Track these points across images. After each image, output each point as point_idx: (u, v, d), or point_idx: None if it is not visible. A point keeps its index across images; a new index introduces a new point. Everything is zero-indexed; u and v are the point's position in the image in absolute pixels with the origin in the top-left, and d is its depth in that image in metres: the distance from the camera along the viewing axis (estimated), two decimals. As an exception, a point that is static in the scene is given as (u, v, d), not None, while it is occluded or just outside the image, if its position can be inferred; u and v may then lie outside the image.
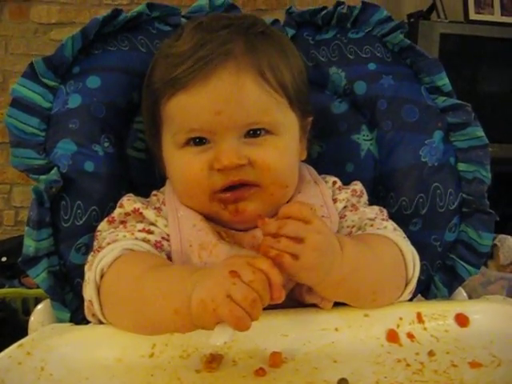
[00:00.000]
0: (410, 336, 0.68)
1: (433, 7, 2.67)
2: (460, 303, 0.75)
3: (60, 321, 0.78)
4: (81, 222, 0.78)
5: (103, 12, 0.83)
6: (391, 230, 0.76)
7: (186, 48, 0.72)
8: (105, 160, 0.81)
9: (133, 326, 0.65)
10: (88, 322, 0.77)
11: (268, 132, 0.73)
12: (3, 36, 2.55)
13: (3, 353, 0.60)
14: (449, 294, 0.87)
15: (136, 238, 0.71)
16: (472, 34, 2.62)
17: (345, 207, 0.79)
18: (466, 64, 2.64)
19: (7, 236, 2.48)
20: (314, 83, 0.90)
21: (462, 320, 0.70)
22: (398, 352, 0.65)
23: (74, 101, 0.81)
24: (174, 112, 0.73)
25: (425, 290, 0.87)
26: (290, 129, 0.76)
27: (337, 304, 0.70)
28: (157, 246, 0.72)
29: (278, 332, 0.66)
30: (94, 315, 0.68)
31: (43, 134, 0.80)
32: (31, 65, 0.79)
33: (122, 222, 0.74)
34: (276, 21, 0.93)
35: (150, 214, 0.74)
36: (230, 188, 0.72)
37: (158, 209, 0.76)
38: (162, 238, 0.73)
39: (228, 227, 0.75)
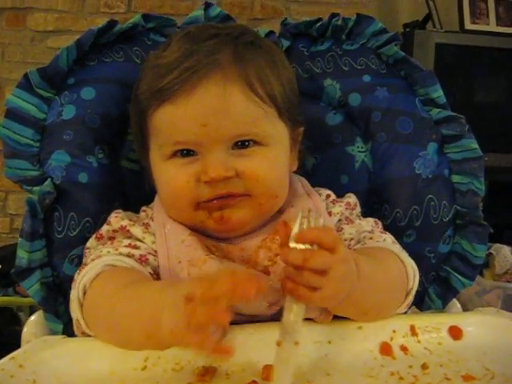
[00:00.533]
0: (404, 349, 0.68)
1: (428, 17, 2.68)
2: (453, 316, 0.75)
3: (53, 332, 0.78)
4: (74, 234, 0.78)
5: (100, 20, 0.84)
6: (391, 243, 0.76)
7: (173, 58, 0.71)
8: (99, 171, 0.81)
9: (116, 343, 0.64)
10: (81, 335, 0.77)
11: (256, 143, 0.72)
12: (0, 43, 2.54)
13: (-5, 365, 0.60)
14: (443, 306, 0.87)
15: (120, 254, 0.70)
16: (467, 44, 2.63)
17: (339, 220, 0.79)
18: (462, 74, 2.65)
19: (2, 244, 2.47)
20: (308, 95, 0.90)
21: (455, 332, 0.70)
22: (392, 365, 0.65)
23: (69, 112, 0.81)
24: (160, 124, 0.72)
25: (419, 301, 0.87)
26: (279, 140, 0.75)
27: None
28: (141, 260, 0.71)
29: (272, 344, 0.65)
30: (83, 333, 0.68)
31: (37, 144, 0.80)
32: (26, 76, 0.80)
33: (110, 239, 0.74)
34: (271, 32, 0.93)
35: (137, 230, 0.74)
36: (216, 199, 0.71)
37: (146, 225, 0.75)
38: (149, 252, 0.72)
39: (216, 239, 0.74)
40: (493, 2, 2.78)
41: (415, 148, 0.87)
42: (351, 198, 0.82)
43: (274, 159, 0.73)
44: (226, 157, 0.70)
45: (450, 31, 2.65)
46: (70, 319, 0.77)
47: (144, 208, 0.79)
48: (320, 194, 0.81)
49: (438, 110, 0.88)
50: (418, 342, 0.69)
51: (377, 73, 0.90)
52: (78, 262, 0.78)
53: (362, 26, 0.92)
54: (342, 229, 0.78)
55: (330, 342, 0.67)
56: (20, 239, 0.76)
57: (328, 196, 0.81)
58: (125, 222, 0.74)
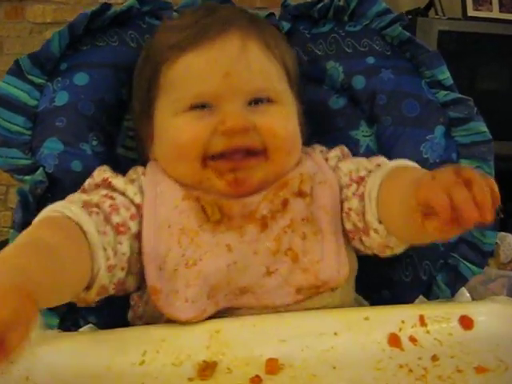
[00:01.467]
0: (413, 340, 0.65)
1: (430, 4, 2.65)
2: (464, 305, 0.72)
3: (49, 326, 0.75)
4: None
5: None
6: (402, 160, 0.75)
7: (188, 20, 0.74)
8: (93, 159, 0.78)
9: None
10: (77, 329, 0.75)
11: (270, 101, 0.73)
12: (-2, 36, 2.53)
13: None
14: (452, 295, 0.84)
15: (84, 202, 0.66)
16: (470, 31, 2.60)
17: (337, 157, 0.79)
18: (465, 61, 2.62)
19: (3, 238, 2.46)
20: (310, 78, 0.87)
21: (466, 322, 0.67)
22: (400, 357, 0.62)
23: (61, 98, 0.78)
24: (179, 75, 0.72)
25: (427, 290, 0.84)
26: (290, 102, 0.76)
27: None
28: (112, 208, 0.67)
29: (275, 337, 0.63)
30: None
31: (29, 132, 0.77)
32: (17, 62, 0.77)
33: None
34: (271, 14, 0.90)
35: (119, 182, 0.71)
36: (227, 156, 0.70)
37: (133, 180, 0.73)
38: (123, 205, 0.69)
39: (215, 194, 0.72)
40: (496, -12, 2.75)
41: (422, 131, 0.83)
42: (343, 146, 0.82)
43: (288, 116, 0.74)
44: (243, 110, 0.70)
45: (452, 18, 2.62)
46: (66, 312, 0.76)
47: (135, 167, 0.77)
48: (314, 149, 0.81)
49: (445, 92, 0.85)
50: (428, 332, 0.66)
51: (381, 54, 0.87)
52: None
53: (365, 6, 0.89)
54: (339, 167, 0.77)
55: (336, 334, 0.64)
56: (12, 231, 0.73)
57: (321, 150, 0.81)
58: (107, 175, 0.72)
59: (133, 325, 0.73)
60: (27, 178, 0.73)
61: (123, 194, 0.70)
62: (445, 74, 0.85)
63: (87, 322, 0.77)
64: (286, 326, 0.64)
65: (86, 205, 0.66)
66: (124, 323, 0.75)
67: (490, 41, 2.62)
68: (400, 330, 0.66)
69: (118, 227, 0.67)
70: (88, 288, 0.62)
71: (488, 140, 0.83)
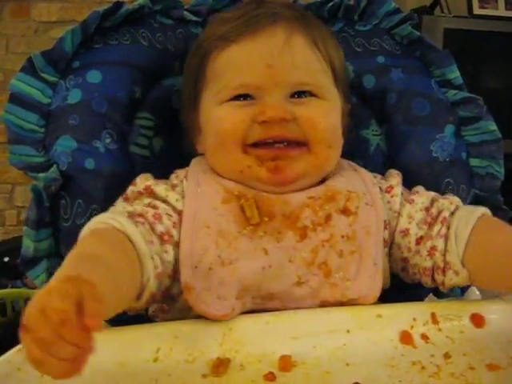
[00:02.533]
0: (425, 337, 0.65)
1: (436, 2, 2.65)
2: (475, 303, 0.72)
3: (61, 323, 0.76)
4: (81, 222, 0.75)
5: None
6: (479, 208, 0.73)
7: (237, 12, 0.75)
8: (106, 157, 0.78)
9: None
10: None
11: (313, 96, 0.73)
12: (4, 35, 2.53)
13: (2, 357, 0.58)
14: (461, 293, 0.84)
15: (128, 212, 0.67)
16: (476, 29, 2.60)
17: (402, 194, 0.77)
18: (471, 59, 2.62)
19: (10, 236, 2.46)
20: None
21: (477, 320, 0.67)
22: (413, 354, 0.62)
23: (74, 96, 0.78)
24: (223, 66, 0.73)
25: (437, 289, 0.85)
26: (334, 99, 0.75)
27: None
28: (154, 217, 0.67)
29: (287, 334, 0.63)
30: None
31: (42, 130, 0.77)
32: (30, 59, 0.77)
33: (136, 199, 0.71)
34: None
35: (160, 189, 0.71)
36: (268, 145, 0.70)
37: (174, 185, 0.73)
38: (166, 213, 0.69)
39: (258, 188, 0.72)
40: (502, -14, 2.74)
41: (432, 130, 0.84)
42: (399, 173, 0.80)
43: (330, 110, 0.74)
44: (284, 101, 0.71)
45: (458, 16, 2.62)
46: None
47: (176, 171, 0.76)
48: (361, 168, 0.80)
49: (455, 91, 0.85)
50: (440, 330, 0.66)
51: (391, 54, 0.88)
52: (87, 251, 0.76)
53: (375, 6, 0.89)
54: (413, 200, 0.76)
55: (348, 331, 0.64)
56: (25, 228, 0.73)
57: (375, 176, 0.79)
58: (149, 182, 0.72)
59: (152, 320, 0.73)
60: (41, 175, 0.73)
61: (165, 201, 0.70)
62: (455, 73, 0.85)
63: (99, 319, 0.77)
64: (299, 324, 0.64)
65: (131, 215, 0.66)
66: (135, 319, 0.75)
67: (496, 39, 2.62)
68: (412, 327, 0.66)
69: (163, 236, 0.67)
70: (138, 297, 0.62)
71: (497, 139, 0.84)
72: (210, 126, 0.74)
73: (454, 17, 2.61)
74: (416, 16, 0.89)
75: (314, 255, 0.69)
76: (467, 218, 0.70)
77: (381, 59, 0.87)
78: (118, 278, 0.55)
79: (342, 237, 0.70)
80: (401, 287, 0.85)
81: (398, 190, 0.77)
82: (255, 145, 0.71)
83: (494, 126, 0.84)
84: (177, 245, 0.68)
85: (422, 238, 0.73)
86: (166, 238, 0.67)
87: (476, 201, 0.84)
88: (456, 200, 0.75)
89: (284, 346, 0.62)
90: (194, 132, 0.79)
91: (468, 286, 0.85)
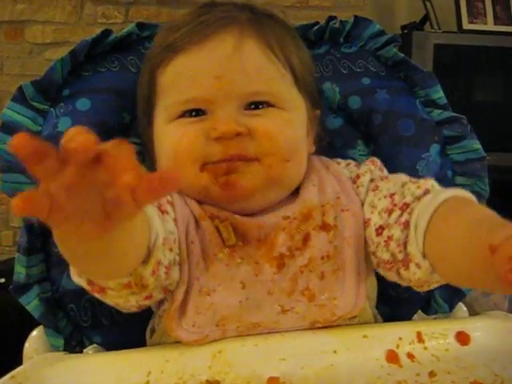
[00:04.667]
0: (411, 356, 0.66)
1: (426, 18, 2.68)
2: (460, 321, 0.73)
3: (54, 347, 0.76)
4: None
5: (98, 31, 0.83)
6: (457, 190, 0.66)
7: (187, 18, 0.70)
8: None
9: None
10: (81, 349, 0.76)
11: (271, 106, 0.69)
12: (-2, 57, 2.55)
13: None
14: (449, 310, 0.85)
15: None
16: (466, 44, 2.63)
17: (371, 180, 0.74)
18: (461, 73, 2.64)
19: (5, 257, 2.46)
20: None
21: (462, 338, 0.68)
22: (399, 373, 0.63)
23: (64, 124, 0.79)
24: (170, 80, 0.70)
25: (425, 305, 0.86)
26: (295, 107, 0.72)
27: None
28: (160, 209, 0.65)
29: (275, 356, 0.64)
30: None
31: None
32: (20, 88, 0.78)
33: None
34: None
35: None
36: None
37: None
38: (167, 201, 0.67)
39: (232, 212, 0.69)
40: (490, 1, 2.78)
41: (418, 150, 0.85)
42: (375, 158, 0.78)
43: (288, 121, 0.70)
44: (237, 114, 0.67)
45: (448, 32, 2.65)
46: (71, 333, 0.77)
47: None
48: (339, 163, 0.78)
49: (440, 110, 0.87)
50: (425, 348, 0.67)
51: (376, 75, 0.89)
52: (77, 276, 0.76)
53: (360, 28, 0.91)
54: (378, 187, 0.72)
55: (335, 352, 0.65)
56: (17, 254, 0.75)
57: (348, 164, 0.78)
58: None
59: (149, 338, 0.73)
60: (31, 202, 0.74)
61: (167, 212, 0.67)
62: (439, 94, 0.87)
63: (92, 342, 0.78)
64: (287, 345, 0.65)
65: None
66: (129, 343, 0.76)
67: (486, 53, 2.64)
68: (398, 346, 0.67)
69: (160, 206, 0.65)
70: (145, 262, 0.59)
71: (482, 157, 0.85)
72: (161, 146, 0.71)
73: (443, 32, 2.63)
74: (400, 38, 0.91)
75: (293, 283, 0.67)
76: (429, 203, 0.62)
77: (366, 80, 0.89)
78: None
79: (322, 258, 0.69)
80: (390, 305, 0.86)
81: (366, 178, 0.74)
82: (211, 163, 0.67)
83: (478, 145, 0.85)
84: (175, 222, 0.66)
85: (381, 227, 0.68)
86: (162, 208, 0.65)
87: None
88: (427, 184, 0.68)
89: (272, 367, 0.63)
90: (151, 151, 0.76)
91: (457, 303, 0.86)
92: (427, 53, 2.54)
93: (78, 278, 0.61)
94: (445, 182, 0.85)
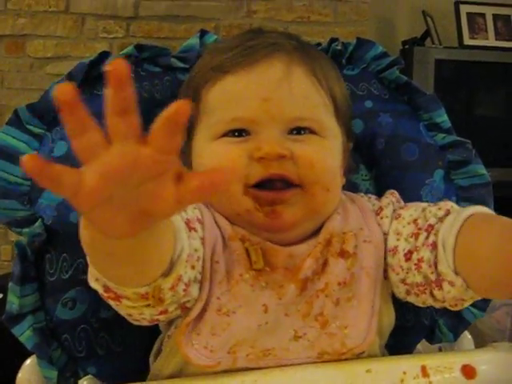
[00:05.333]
0: (416, 391, 0.64)
1: (427, 33, 2.68)
2: (466, 354, 0.71)
3: (47, 379, 0.74)
4: (67, 276, 0.75)
5: (99, 45, 0.82)
6: (479, 207, 0.67)
7: (234, 42, 0.72)
8: None
9: None
10: (76, 380, 0.74)
11: (312, 133, 0.69)
12: (-1, 71, 2.55)
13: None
14: (454, 339, 0.83)
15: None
16: (467, 59, 2.63)
17: (394, 211, 0.74)
18: (462, 88, 2.65)
19: (4, 271, 2.44)
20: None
21: (468, 372, 0.66)
22: (404, 410, 0.62)
23: (60, 148, 0.77)
24: (217, 99, 0.70)
25: (429, 334, 0.84)
26: (334, 137, 0.72)
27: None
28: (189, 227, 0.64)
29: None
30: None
31: (28, 183, 0.76)
32: (15, 112, 0.77)
33: None
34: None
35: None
36: (268, 185, 0.67)
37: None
38: (190, 207, 0.66)
39: (262, 236, 0.68)
40: (491, 16, 2.78)
41: (421, 175, 0.83)
42: (394, 191, 0.78)
43: (329, 150, 0.71)
44: (281, 137, 0.67)
45: (449, 47, 2.65)
46: (65, 364, 0.75)
47: None
48: (362, 197, 0.78)
49: (443, 134, 0.86)
50: (430, 383, 0.65)
51: (379, 98, 0.88)
52: (72, 306, 0.75)
53: (363, 50, 0.90)
54: (400, 215, 0.72)
55: (337, 387, 0.64)
56: (10, 283, 0.72)
57: (369, 198, 0.78)
58: None
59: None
60: (25, 230, 0.73)
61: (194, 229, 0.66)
62: (443, 117, 0.85)
63: (86, 374, 0.76)
64: (289, 380, 0.63)
65: None
66: (125, 374, 0.74)
67: (487, 68, 2.65)
68: (402, 381, 0.64)
69: (188, 223, 0.64)
70: (165, 275, 0.57)
71: (487, 182, 0.84)
72: (203, 163, 0.71)
73: (444, 48, 2.64)
74: (403, 60, 0.90)
75: (309, 306, 0.66)
76: (454, 221, 0.63)
77: (369, 104, 0.88)
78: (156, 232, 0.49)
79: (339, 284, 0.68)
80: (394, 334, 0.84)
81: (389, 210, 0.74)
82: (255, 185, 0.67)
83: (483, 170, 0.84)
84: (202, 242, 0.65)
85: (410, 252, 0.68)
86: (191, 225, 0.64)
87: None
88: (447, 205, 0.69)
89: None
90: (189, 166, 0.75)
91: (462, 331, 0.84)
92: (428, 68, 2.55)
93: (94, 282, 0.59)
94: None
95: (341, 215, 0.73)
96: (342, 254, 0.69)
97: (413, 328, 0.82)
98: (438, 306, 0.69)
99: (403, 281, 0.69)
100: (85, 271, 0.74)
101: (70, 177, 0.38)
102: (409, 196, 0.82)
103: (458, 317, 0.83)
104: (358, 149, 0.87)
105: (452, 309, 0.68)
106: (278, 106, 0.67)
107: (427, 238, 0.66)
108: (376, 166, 0.86)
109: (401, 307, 0.82)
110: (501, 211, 0.83)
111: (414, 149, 0.84)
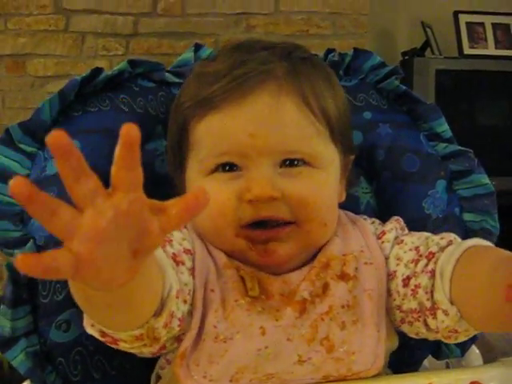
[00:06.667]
0: (423, 410, 0.62)
1: (427, 44, 2.68)
2: (474, 370, 0.69)
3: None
4: (60, 298, 0.73)
5: (99, 63, 0.82)
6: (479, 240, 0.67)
7: (222, 66, 0.68)
8: None
9: None
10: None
11: (306, 164, 0.68)
12: (0, 91, 2.54)
13: None
14: (462, 354, 0.81)
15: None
16: (467, 69, 2.63)
17: (396, 238, 0.72)
18: (463, 98, 2.64)
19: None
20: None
21: (477, 389, 0.64)
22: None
23: (52, 167, 0.75)
24: (204, 134, 0.68)
25: (436, 350, 0.81)
26: (330, 163, 0.71)
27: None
28: (166, 242, 0.64)
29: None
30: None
31: None
32: (7, 131, 0.75)
33: None
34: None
35: (175, 233, 0.68)
36: (260, 224, 0.66)
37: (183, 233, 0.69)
38: (176, 240, 0.66)
39: (257, 267, 0.68)
40: (490, 25, 2.78)
41: (423, 187, 0.81)
42: (399, 218, 0.76)
43: (324, 183, 0.69)
44: (272, 175, 0.66)
45: (449, 57, 2.65)
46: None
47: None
48: (365, 219, 0.77)
49: (445, 144, 0.84)
50: (438, 401, 0.63)
51: (378, 109, 0.86)
52: (67, 328, 0.73)
53: (360, 60, 0.88)
54: (403, 240, 0.71)
55: (343, 407, 0.61)
56: (2, 306, 0.70)
57: (373, 222, 0.76)
58: None
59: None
60: (17, 251, 0.71)
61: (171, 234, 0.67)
62: (443, 127, 0.84)
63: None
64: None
65: None
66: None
67: (488, 77, 2.65)
68: (409, 400, 0.63)
69: (175, 257, 0.63)
70: (157, 314, 0.57)
71: (491, 192, 0.82)
72: None
73: (444, 58, 2.64)
74: (401, 70, 0.88)
75: (313, 330, 0.65)
76: (453, 251, 0.63)
77: (367, 115, 0.86)
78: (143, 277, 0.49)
79: (343, 307, 0.66)
80: (399, 351, 0.81)
81: (391, 235, 0.72)
82: (244, 226, 0.66)
83: (486, 180, 0.82)
84: (190, 273, 0.65)
85: (408, 277, 0.67)
86: (178, 259, 0.64)
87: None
88: (451, 236, 0.68)
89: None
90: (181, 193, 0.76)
91: (469, 346, 0.81)
92: (429, 78, 2.55)
93: (90, 328, 0.59)
94: (453, 219, 0.82)
95: (340, 237, 0.72)
96: (343, 276, 0.68)
97: (418, 344, 0.80)
98: (431, 337, 0.68)
99: (399, 307, 0.69)
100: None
101: (65, 214, 0.39)
102: (411, 208, 0.81)
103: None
104: (358, 161, 0.85)
105: (446, 341, 0.67)
106: (265, 142, 0.66)
107: (427, 265, 0.65)
108: (376, 178, 0.84)
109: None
110: (504, 220, 0.81)
111: (414, 160, 0.82)
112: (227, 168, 0.67)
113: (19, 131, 0.76)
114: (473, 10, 2.77)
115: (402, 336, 0.79)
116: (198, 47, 0.89)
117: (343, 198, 0.76)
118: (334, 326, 0.65)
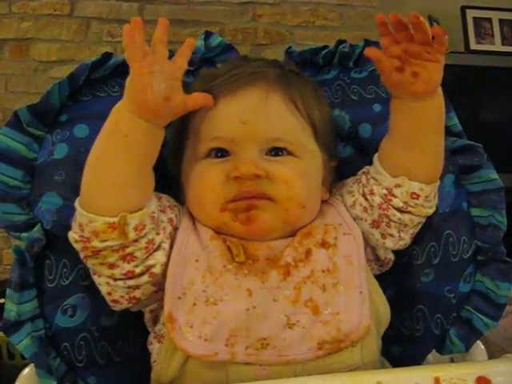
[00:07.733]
0: (428, 404, 0.62)
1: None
2: (480, 365, 0.68)
3: (46, 390, 0.72)
4: (67, 282, 0.73)
5: (103, 49, 0.81)
6: None
7: (222, 69, 0.79)
8: None
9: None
10: (75, 390, 0.72)
11: (290, 154, 0.74)
12: (3, 74, 2.53)
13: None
14: (466, 349, 0.81)
15: None
16: (473, 64, 2.62)
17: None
18: (468, 93, 2.63)
19: (7, 276, 2.42)
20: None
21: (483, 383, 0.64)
22: (415, 423, 0.59)
23: (61, 151, 0.75)
24: (199, 122, 0.74)
25: (440, 344, 0.81)
26: (312, 157, 0.76)
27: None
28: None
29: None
30: None
31: (28, 186, 0.74)
32: (15, 113, 0.74)
33: None
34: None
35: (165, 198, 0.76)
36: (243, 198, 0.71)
37: (174, 205, 0.76)
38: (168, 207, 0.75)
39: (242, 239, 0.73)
40: (497, 21, 2.77)
41: None
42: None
43: (305, 170, 0.74)
44: (259, 159, 0.72)
45: (455, 52, 2.63)
46: (65, 373, 0.73)
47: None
48: (338, 199, 0.80)
49: (454, 138, 0.83)
50: (444, 395, 0.63)
51: (388, 101, 0.84)
52: (72, 313, 0.73)
53: None
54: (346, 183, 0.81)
55: (346, 400, 0.61)
56: (8, 290, 0.70)
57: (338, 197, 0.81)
58: None
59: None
60: (24, 235, 0.71)
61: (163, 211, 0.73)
62: (453, 121, 0.83)
63: (86, 383, 0.74)
64: (294, 392, 0.61)
65: None
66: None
67: (494, 73, 2.64)
68: (414, 393, 0.62)
69: (161, 208, 0.72)
70: (133, 212, 0.65)
71: (499, 188, 0.81)
72: (190, 182, 0.75)
73: (450, 52, 2.62)
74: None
75: (297, 292, 0.68)
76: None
77: (377, 107, 0.85)
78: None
79: (323, 271, 0.70)
80: (402, 344, 0.82)
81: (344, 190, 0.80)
82: (230, 201, 0.71)
83: (495, 175, 0.81)
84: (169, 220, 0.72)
85: (364, 193, 0.76)
86: (161, 208, 0.73)
87: (478, 252, 0.81)
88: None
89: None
90: (179, 182, 0.79)
91: (474, 342, 0.81)
92: (435, 73, 2.53)
93: (72, 234, 0.66)
94: (460, 213, 0.81)
95: (320, 213, 0.77)
96: (323, 244, 0.72)
97: (422, 338, 0.80)
98: (395, 235, 0.75)
99: (372, 224, 0.76)
100: (86, 277, 0.73)
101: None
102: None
103: (470, 326, 0.80)
104: (367, 154, 0.85)
105: (409, 230, 0.76)
106: (254, 128, 0.72)
107: (366, 177, 0.77)
108: (384, 171, 0.84)
109: (410, 316, 0.80)
110: (509, 217, 0.81)
111: None
112: (219, 154, 0.73)
113: (28, 114, 0.75)
114: (480, 6, 2.75)
115: (406, 328, 0.80)
116: (208, 35, 0.88)
117: (326, 196, 0.80)
118: (315, 288, 0.68)
